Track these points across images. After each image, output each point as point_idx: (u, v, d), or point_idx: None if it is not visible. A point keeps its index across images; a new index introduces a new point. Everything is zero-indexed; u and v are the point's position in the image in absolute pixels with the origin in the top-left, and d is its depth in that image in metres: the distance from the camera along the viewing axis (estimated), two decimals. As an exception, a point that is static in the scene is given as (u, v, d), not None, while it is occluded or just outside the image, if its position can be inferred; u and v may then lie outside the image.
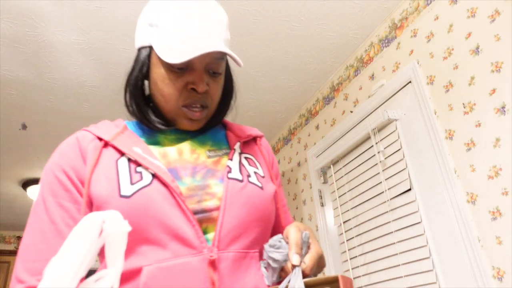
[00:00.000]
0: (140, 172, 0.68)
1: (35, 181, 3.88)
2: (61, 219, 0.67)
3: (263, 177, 0.77)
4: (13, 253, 5.12)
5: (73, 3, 1.90)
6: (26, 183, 3.92)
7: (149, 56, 0.77)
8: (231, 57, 0.70)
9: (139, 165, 0.69)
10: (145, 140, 0.77)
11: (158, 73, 0.75)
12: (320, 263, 0.63)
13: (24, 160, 3.47)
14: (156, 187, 0.66)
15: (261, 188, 0.74)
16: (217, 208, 0.68)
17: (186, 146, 0.78)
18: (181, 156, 0.75)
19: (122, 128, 0.77)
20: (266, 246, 0.65)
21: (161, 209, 0.65)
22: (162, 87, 0.74)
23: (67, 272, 0.38)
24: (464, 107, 1.64)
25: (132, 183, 0.66)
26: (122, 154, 0.71)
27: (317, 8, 2.02)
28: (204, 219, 0.67)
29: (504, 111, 1.47)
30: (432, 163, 1.74)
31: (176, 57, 0.69)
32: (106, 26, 2.05)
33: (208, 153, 0.77)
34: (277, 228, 0.82)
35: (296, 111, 2.96)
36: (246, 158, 0.79)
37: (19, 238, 5.46)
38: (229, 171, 0.73)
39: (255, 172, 0.76)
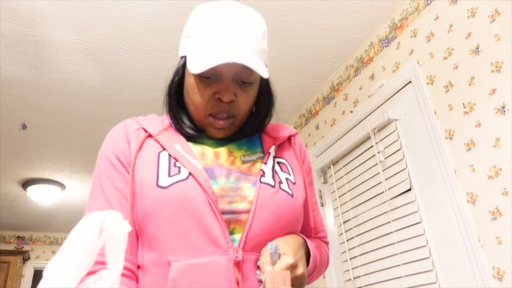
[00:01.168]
0: (179, 167, 0.72)
1: (35, 181, 3.88)
2: (115, 199, 0.72)
3: (294, 183, 0.78)
4: (13, 253, 5.12)
5: (73, 3, 1.90)
6: (26, 183, 3.92)
7: (183, 65, 0.80)
8: (251, 68, 0.70)
9: (178, 161, 0.73)
10: (186, 139, 0.80)
11: (189, 82, 0.77)
12: (293, 273, 0.65)
13: (24, 160, 3.47)
14: (191, 182, 0.70)
15: (292, 195, 0.75)
16: (247, 211, 0.70)
17: (223, 150, 0.79)
18: (217, 158, 0.77)
19: (167, 126, 0.81)
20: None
21: (194, 204, 0.68)
22: (192, 95, 0.77)
23: (67, 272, 0.38)
24: (464, 107, 1.64)
25: (170, 176, 0.71)
26: (164, 148, 0.75)
27: (317, 8, 2.02)
28: (232, 220, 0.70)
29: (504, 111, 1.47)
30: (432, 163, 1.74)
31: (198, 67, 0.71)
32: (106, 26, 2.05)
33: (243, 158, 0.79)
34: (306, 228, 0.85)
35: (296, 111, 2.96)
36: (279, 163, 0.80)
37: (19, 238, 5.45)
38: (262, 175, 0.74)
39: (286, 179, 0.77)
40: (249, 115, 0.82)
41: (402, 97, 1.98)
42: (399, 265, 1.84)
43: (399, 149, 1.92)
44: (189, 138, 0.80)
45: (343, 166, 2.36)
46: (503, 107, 1.48)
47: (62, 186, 4.04)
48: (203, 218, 0.67)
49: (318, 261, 0.80)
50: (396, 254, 1.86)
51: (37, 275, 5.56)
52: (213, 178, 0.73)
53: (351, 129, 2.31)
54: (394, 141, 1.96)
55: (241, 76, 0.75)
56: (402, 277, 1.82)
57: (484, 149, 1.54)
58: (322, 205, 2.55)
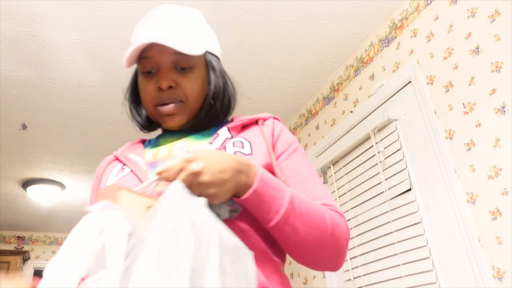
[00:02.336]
0: (124, 168, 0.78)
1: (35, 181, 3.87)
2: None
3: (249, 154, 0.73)
4: (13, 253, 5.12)
5: (73, 3, 1.90)
6: (26, 183, 3.92)
7: (137, 70, 0.86)
8: (172, 46, 0.74)
9: (126, 165, 0.79)
10: (151, 147, 0.85)
11: (139, 82, 0.83)
12: (191, 170, 0.55)
13: (24, 160, 3.47)
14: (130, 176, 0.74)
15: None
16: None
17: (178, 143, 0.79)
18: (170, 152, 0.79)
19: (132, 143, 0.89)
20: None
21: None
22: (141, 93, 0.82)
23: (67, 272, 0.38)
24: (464, 107, 1.64)
25: (115, 176, 0.77)
26: (121, 162, 0.82)
27: (317, 8, 2.02)
28: None
29: (504, 111, 1.47)
30: (432, 163, 1.74)
31: (125, 60, 0.77)
32: (106, 26, 2.05)
33: (201, 146, 0.78)
34: None
35: (296, 111, 2.96)
36: (234, 142, 0.76)
37: (19, 238, 5.45)
38: None
39: (236, 152, 0.73)
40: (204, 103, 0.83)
41: (402, 97, 1.98)
42: (399, 265, 1.84)
43: (399, 149, 1.92)
44: (152, 145, 0.85)
45: (343, 166, 2.36)
46: (503, 107, 1.48)
47: (62, 186, 4.04)
48: None
49: (292, 198, 0.65)
50: (396, 254, 1.86)
51: (37, 275, 5.55)
52: (153, 168, 0.75)
53: (351, 129, 2.31)
54: (394, 141, 1.95)
55: (178, 62, 0.78)
56: (402, 277, 1.82)
57: (484, 149, 1.54)
58: (322, 205, 2.55)
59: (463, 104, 1.64)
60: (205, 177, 0.55)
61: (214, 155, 0.59)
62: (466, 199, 1.58)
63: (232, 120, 0.87)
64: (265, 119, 0.84)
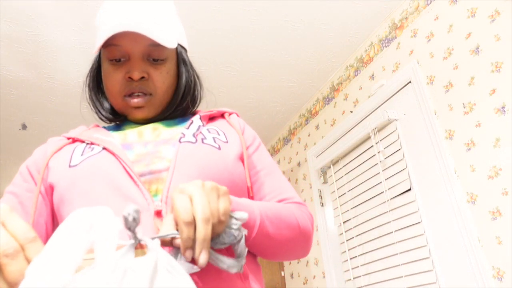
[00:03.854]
0: (93, 148, 0.71)
1: (35, 181, 3.88)
2: (7, 202, 0.72)
3: (225, 142, 0.74)
4: (14, 253, 5.11)
5: (73, 3, 1.90)
6: (26, 183, 3.92)
7: (99, 56, 0.82)
8: (148, 37, 0.71)
9: (93, 144, 0.72)
10: (113, 131, 0.80)
11: (103, 69, 0.79)
12: (208, 187, 0.52)
13: (24, 160, 3.46)
14: (104, 155, 0.68)
15: (218, 148, 0.71)
16: (166, 169, 0.66)
17: (148, 128, 0.78)
18: (141, 137, 0.75)
19: (91, 127, 0.82)
20: None
21: (106, 171, 0.65)
22: (106, 82, 0.78)
23: (53, 271, 0.37)
24: (464, 107, 1.63)
25: (82, 155, 0.69)
26: (83, 141, 0.74)
27: (317, 8, 2.02)
28: (153, 180, 0.65)
29: (504, 111, 1.47)
30: (432, 163, 1.74)
31: (96, 47, 0.72)
32: (106, 26, 2.05)
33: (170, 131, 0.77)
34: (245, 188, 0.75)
35: (296, 111, 2.96)
36: (209, 129, 0.76)
37: (19, 238, 5.45)
38: (183, 137, 0.71)
39: (214, 138, 0.73)
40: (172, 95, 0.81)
41: (402, 97, 1.98)
42: (399, 265, 1.84)
43: (399, 149, 1.92)
44: (117, 129, 0.80)
45: (343, 166, 2.35)
46: (503, 107, 1.47)
47: (62, 186, 4.04)
48: (117, 182, 0.64)
49: (260, 208, 0.65)
50: (396, 254, 1.86)
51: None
52: (129, 149, 0.70)
53: (351, 129, 2.31)
54: (394, 141, 1.95)
55: (151, 54, 0.75)
56: (402, 277, 1.81)
57: (484, 149, 1.53)
58: (322, 205, 2.55)
59: (463, 104, 1.64)
60: (223, 189, 0.55)
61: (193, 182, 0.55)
62: (466, 199, 1.58)
63: (196, 112, 0.86)
64: (230, 113, 0.85)
